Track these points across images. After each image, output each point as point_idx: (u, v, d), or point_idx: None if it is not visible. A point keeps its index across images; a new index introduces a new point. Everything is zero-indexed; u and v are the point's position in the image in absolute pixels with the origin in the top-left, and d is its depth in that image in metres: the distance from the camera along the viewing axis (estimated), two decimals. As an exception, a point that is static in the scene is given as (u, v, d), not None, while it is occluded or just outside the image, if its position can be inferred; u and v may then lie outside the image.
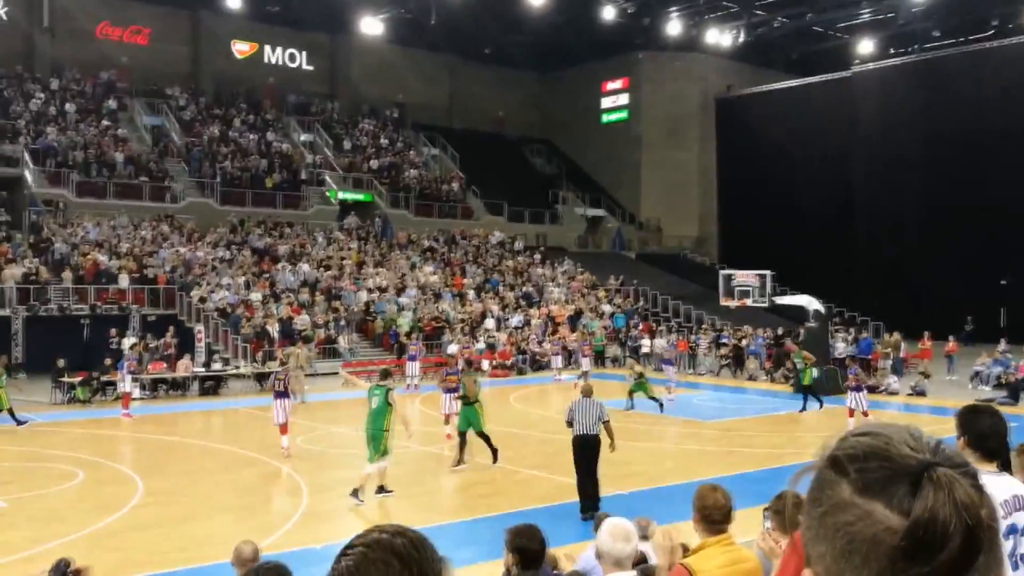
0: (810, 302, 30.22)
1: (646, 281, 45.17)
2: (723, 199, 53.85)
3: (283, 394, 18.04)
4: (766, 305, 33.19)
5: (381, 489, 14.35)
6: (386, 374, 15.21)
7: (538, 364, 35.22)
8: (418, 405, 24.68)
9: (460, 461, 16.42)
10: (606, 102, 57.55)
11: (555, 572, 6.46)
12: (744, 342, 34.76)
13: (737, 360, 34.15)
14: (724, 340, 35.92)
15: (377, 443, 14.02)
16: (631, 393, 23.82)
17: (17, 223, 35.77)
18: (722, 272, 35.34)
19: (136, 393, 25.26)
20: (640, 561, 5.25)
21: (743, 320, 37.60)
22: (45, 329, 30.10)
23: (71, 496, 14.70)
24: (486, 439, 16.59)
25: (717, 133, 54.30)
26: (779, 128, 49.21)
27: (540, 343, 36.49)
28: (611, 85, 56.98)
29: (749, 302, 32.45)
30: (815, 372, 24.95)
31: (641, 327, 38.88)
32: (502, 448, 16.81)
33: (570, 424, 13.14)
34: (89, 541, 11.77)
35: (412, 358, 30.25)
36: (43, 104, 41.64)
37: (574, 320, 39.47)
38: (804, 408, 23.84)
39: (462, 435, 16.59)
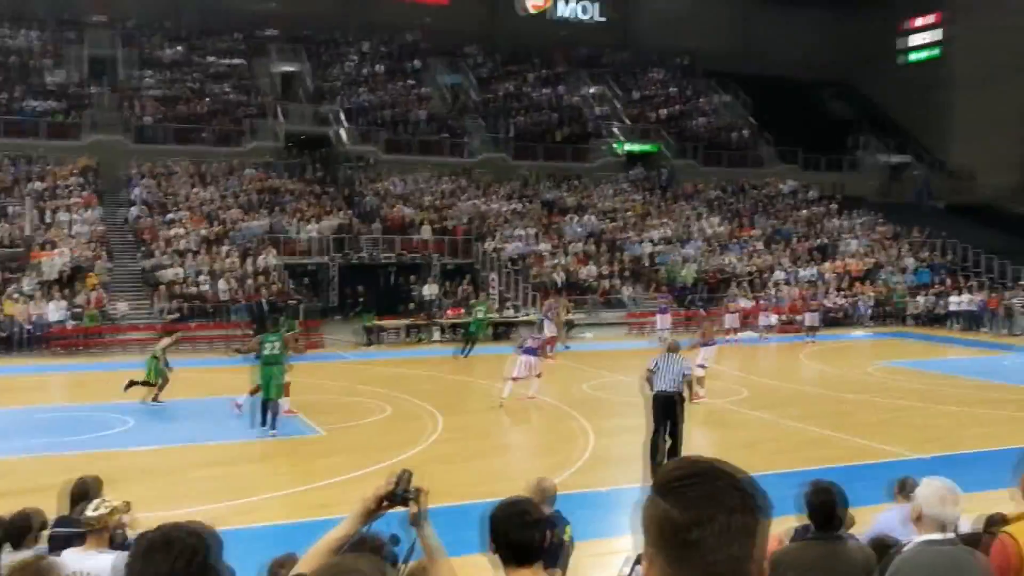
0: None
1: (955, 233, 41.57)
2: (1051, 142, 48.18)
3: (532, 351, 18.29)
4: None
5: None
6: None
7: (832, 320, 33.63)
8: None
9: None
10: (913, 39, 53.25)
11: (848, 534, 6.18)
12: (1070, 302, 31.35)
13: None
14: (1044, 299, 32.62)
15: None
16: None
17: (333, 178, 39.00)
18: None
19: (436, 336, 26.87)
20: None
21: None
22: (354, 275, 32.69)
23: (380, 428, 15.99)
24: None
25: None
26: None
27: (836, 299, 34.85)
28: (920, 20, 52.57)
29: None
30: None
31: (948, 283, 36.04)
32: (790, 405, 16.27)
33: (649, 382, 12.82)
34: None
35: (663, 311, 29.57)
36: (355, 66, 44.87)
37: (872, 274, 37.27)
38: None
39: None
